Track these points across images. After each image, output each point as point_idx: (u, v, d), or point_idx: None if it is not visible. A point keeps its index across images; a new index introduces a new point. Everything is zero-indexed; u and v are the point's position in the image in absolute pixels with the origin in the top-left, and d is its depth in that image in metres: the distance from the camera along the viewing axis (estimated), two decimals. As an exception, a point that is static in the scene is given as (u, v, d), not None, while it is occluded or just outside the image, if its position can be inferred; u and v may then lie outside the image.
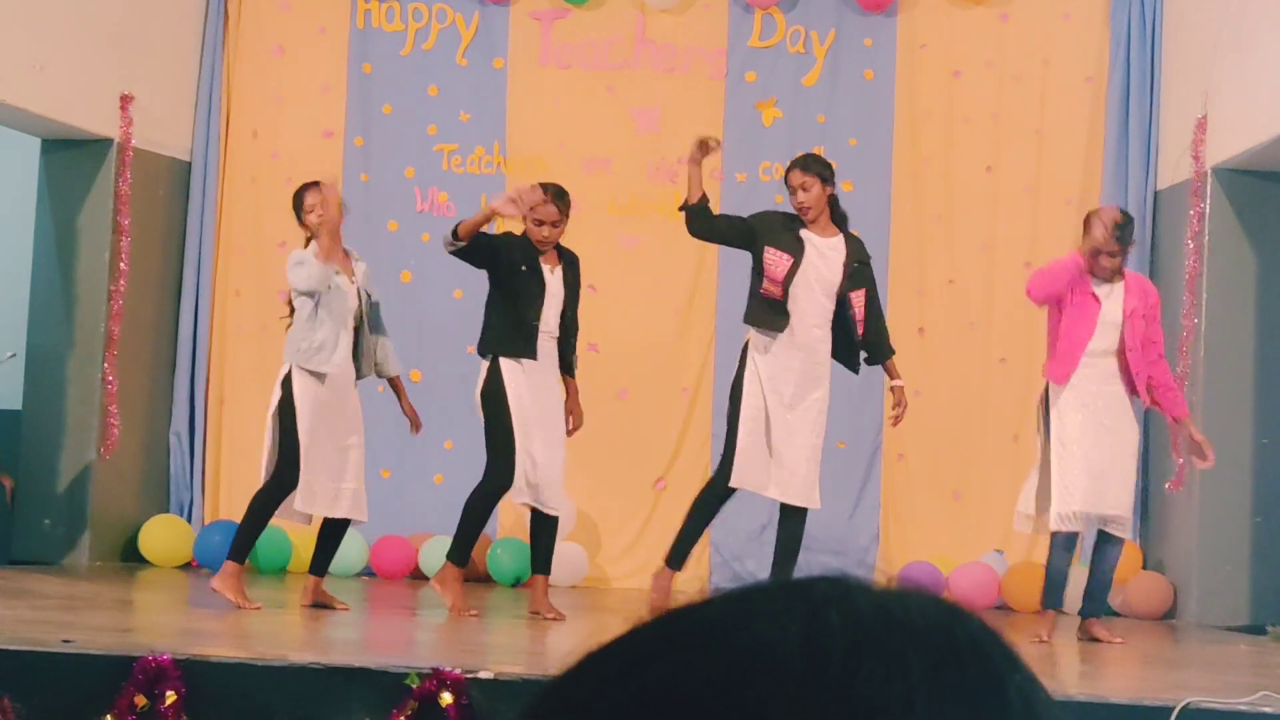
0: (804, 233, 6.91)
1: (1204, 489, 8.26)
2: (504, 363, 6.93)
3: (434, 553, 9.06)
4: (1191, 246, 8.47)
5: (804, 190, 6.89)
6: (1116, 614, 8.39)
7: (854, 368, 7.02)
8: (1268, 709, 4.87)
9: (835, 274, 6.89)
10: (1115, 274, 6.94)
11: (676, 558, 6.97)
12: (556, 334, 7.05)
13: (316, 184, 7.04)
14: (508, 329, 6.94)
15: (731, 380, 7.00)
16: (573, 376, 7.18)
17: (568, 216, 7.05)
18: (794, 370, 6.85)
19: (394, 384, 7.38)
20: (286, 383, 6.90)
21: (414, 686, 4.77)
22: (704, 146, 6.90)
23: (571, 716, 0.71)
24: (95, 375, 9.02)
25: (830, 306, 6.89)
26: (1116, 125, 9.26)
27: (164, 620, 7.23)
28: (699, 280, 9.46)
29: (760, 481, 6.87)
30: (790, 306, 6.83)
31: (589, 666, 0.72)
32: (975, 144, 9.44)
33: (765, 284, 6.87)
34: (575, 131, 9.57)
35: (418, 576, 9.11)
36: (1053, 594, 7.07)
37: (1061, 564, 7.00)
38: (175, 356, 9.67)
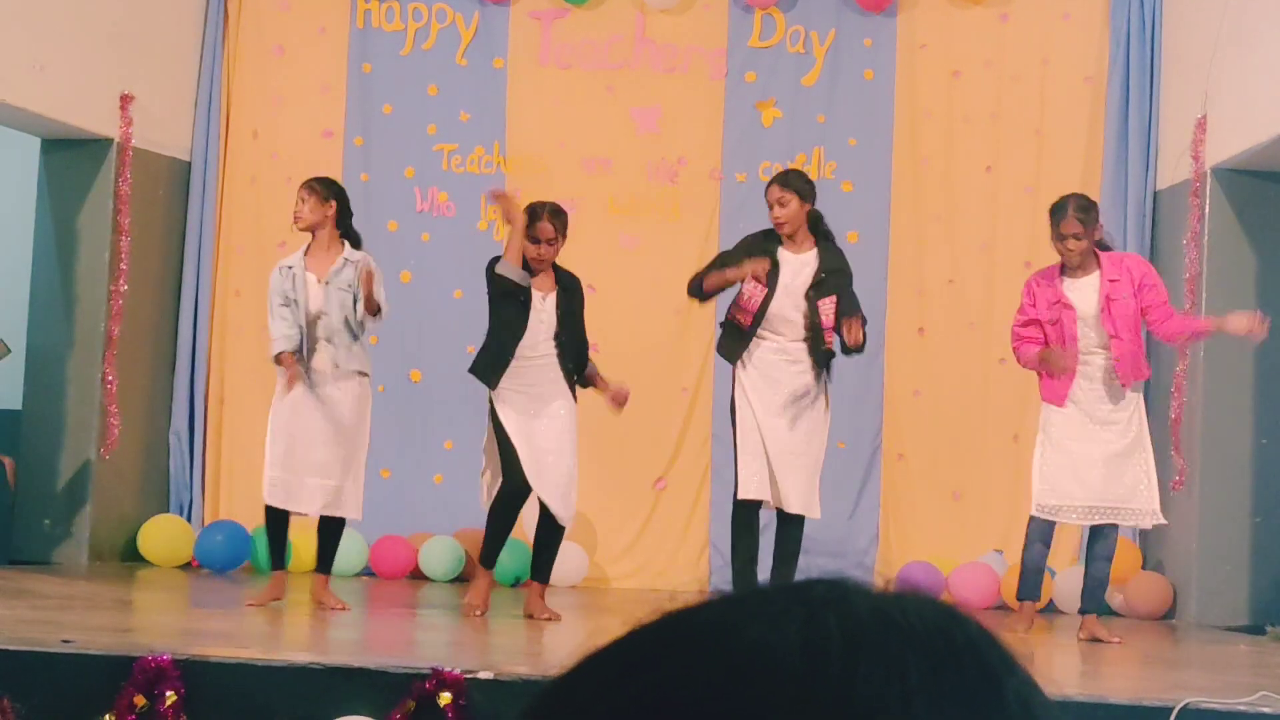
0: (781, 253, 6.94)
1: (1204, 489, 8.26)
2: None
3: (434, 553, 9.08)
4: (1191, 246, 8.47)
5: (781, 206, 6.92)
6: (1116, 614, 8.40)
7: (823, 363, 6.98)
8: (1267, 709, 4.87)
9: (804, 285, 6.94)
10: (1086, 260, 6.93)
11: (740, 581, 7.04)
12: (554, 354, 7.04)
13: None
14: (489, 355, 7.04)
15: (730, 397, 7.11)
16: (584, 386, 7.16)
17: (564, 236, 7.03)
18: (780, 382, 6.90)
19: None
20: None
21: (413, 686, 4.78)
22: (755, 273, 6.88)
23: (571, 718, 0.71)
24: (95, 375, 9.02)
25: (811, 317, 6.92)
26: (1116, 125, 9.26)
27: (164, 620, 7.22)
28: (699, 280, 9.46)
29: (764, 490, 6.95)
30: (764, 329, 6.90)
31: (588, 668, 0.72)
32: (975, 144, 9.44)
33: (737, 312, 6.97)
34: (575, 131, 9.58)
35: (417, 576, 9.12)
36: (1027, 585, 7.08)
37: (1034, 555, 7.03)
38: (175, 356, 9.67)
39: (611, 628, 0.73)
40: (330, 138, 9.72)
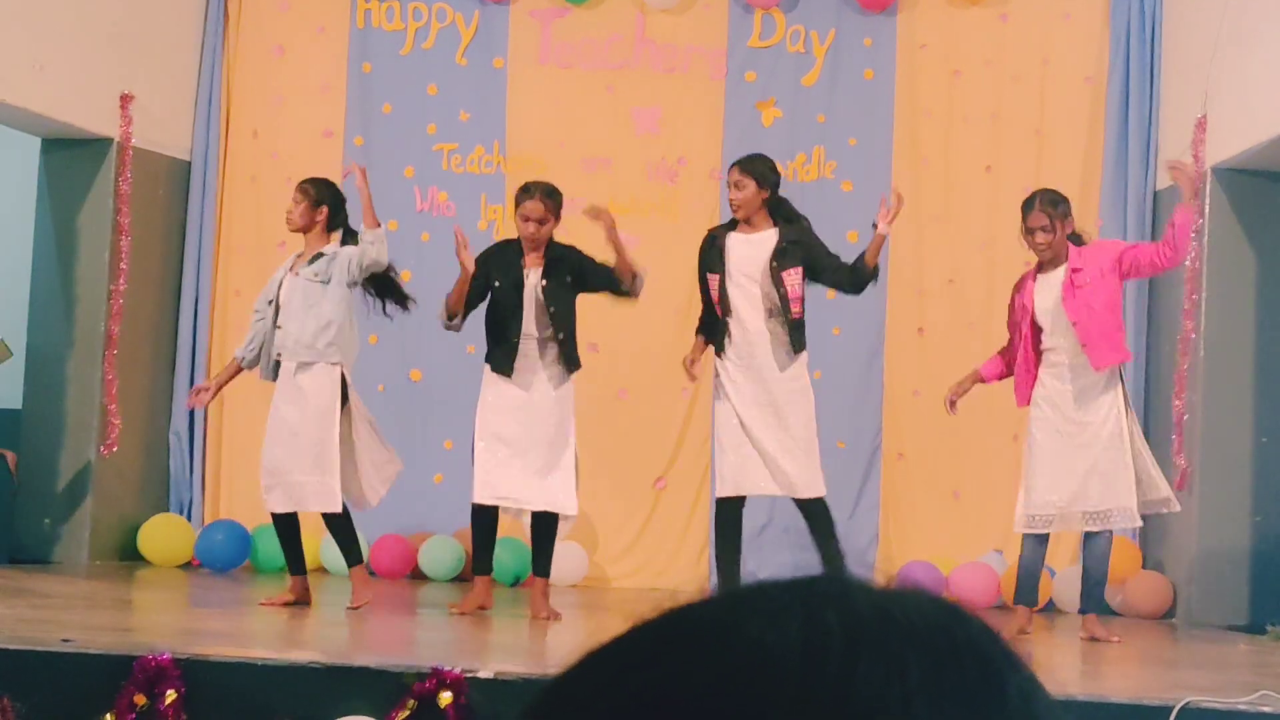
0: (730, 237, 6.97)
1: (1204, 489, 8.25)
2: (486, 370, 7.10)
3: (434, 552, 9.08)
4: (1191, 246, 8.45)
5: (736, 189, 6.99)
6: (1116, 613, 8.39)
7: (795, 348, 6.98)
8: (1267, 709, 4.87)
9: (764, 260, 6.95)
10: (1056, 254, 6.92)
11: (725, 581, 7.04)
12: (550, 335, 7.03)
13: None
14: (491, 341, 7.08)
15: None
16: (579, 367, 7.15)
17: (558, 215, 7.04)
18: (753, 368, 6.93)
19: None
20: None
21: (412, 685, 4.78)
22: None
23: (571, 716, 0.71)
24: (95, 375, 9.02)
25: (773, 293, 6.92)
26: (1116, 125, 9.26)
27: (164, 620, 7.23)
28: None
29: (756, 483, 6.94)
30: (731, 320, 6.95)
31: (589, 666, 0.72)
32: (975, 144, 9.44)
33: (715, 307, 7.02)
34: (575, 131, 9.58)
35: (418, 576, 9.12)
36: (1023, 590, 7.06)
37: (1031, 560, 7.02)
38: (175, 356, 9.67)
39: (612, 627, 0.73)
40: (330, 137, 9.72)
